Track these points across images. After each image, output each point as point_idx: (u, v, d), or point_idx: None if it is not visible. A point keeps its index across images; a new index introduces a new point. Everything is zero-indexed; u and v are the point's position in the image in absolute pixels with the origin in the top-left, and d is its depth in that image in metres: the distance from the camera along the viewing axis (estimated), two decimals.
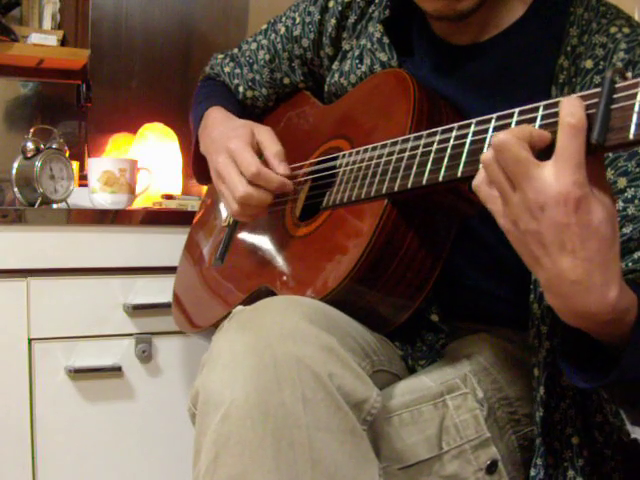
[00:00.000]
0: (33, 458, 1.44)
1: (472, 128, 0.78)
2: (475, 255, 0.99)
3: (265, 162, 1.04)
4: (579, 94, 0.66)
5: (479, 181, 0.70)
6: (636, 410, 0.81)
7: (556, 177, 0.63)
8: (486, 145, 0.75)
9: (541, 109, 0.70)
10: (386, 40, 1.07)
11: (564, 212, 0.64)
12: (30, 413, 1.44)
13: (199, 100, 1.30)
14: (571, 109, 0.64)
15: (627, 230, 0.82)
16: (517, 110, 0.72)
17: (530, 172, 0.65)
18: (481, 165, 0.70)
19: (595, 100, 0.64)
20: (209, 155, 1.16)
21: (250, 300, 1.07)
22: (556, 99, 0.68)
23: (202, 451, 0.75)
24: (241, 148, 1.05)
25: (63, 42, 1.95)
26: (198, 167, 1.25)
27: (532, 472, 0.90)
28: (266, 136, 1.07)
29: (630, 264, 0.82)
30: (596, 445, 0.90)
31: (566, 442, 0.89)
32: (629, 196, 0.83)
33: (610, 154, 0.85)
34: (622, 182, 0.83)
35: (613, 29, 0.89)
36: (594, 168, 0.65)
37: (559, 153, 0.64)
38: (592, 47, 0.90)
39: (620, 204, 0.83)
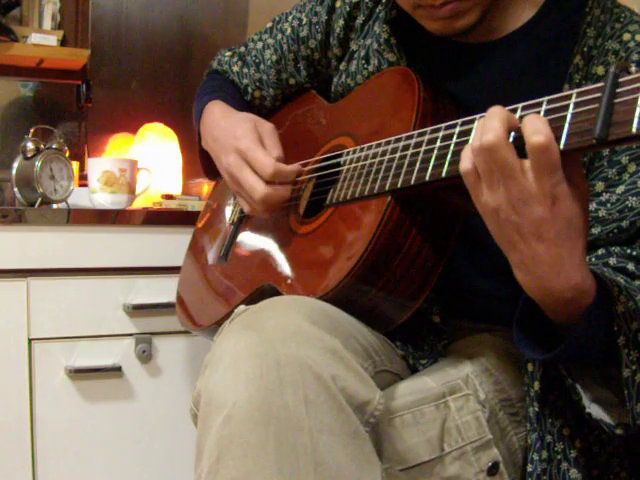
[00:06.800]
0: (33, 458, 1.44)
1: (475, 124, 0.78)
2: (477, 258, 0.99)
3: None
4: (569, 91, 0.69)
5: (467, 167, 0.73)
6: (592, 388, 0.83)
7: (536, 182, 0.68)
8: None
9: (544, 104, 0.70)
10: (393, 41, 1.07)
11: (543, 208, 0.69)
12: (30, 413, 1.44)
13: (203, 93, 1.30)
14: (535, 127, 0.67)
15: (595, 231, 0.88)
16: (520, 105, 0.72)
17: (515, 174, 0.69)
18: (467, 153, 0.72)
19: (598, 95, 0.65)
20: (215, 154, 1.16)
21: (253, 298, 1.07)
22: (563, 93, 0.69)
23: (204, 452, 0.75)
24: (252, 148, 1.05)
25: (63, 42, 1.95)
26: (205, 162, 1.25)
27: (529, 468, 0.90)
28: (269, 138, 1.08)
29: (593, 259, 0.87)
30: (593, 432, 0.90)
31: (558, 434, 0.89)
32: (603, 200, 0.88)
33: (595, 162, 0.89)
34: (600, 186, 0.88)
35: (626, 36, 0.91)
36: (572, 167, 0.69)
37: (534, 166, 0.68)
38: (605, 53, 0.91)
39: (593, 205, 0.88)
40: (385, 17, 1.09)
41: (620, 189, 0.87)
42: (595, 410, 0.82)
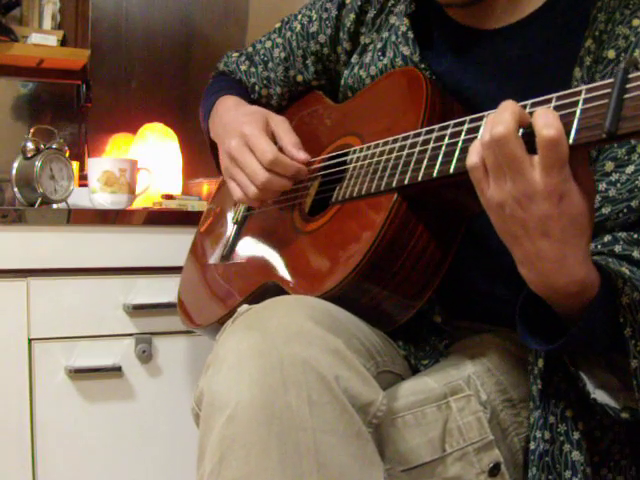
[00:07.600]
0: (33, 458, 1.44)
1: (484, 121, 0.78)
2: (479, 258, 0.99)
3: (280, 149, 1.05)
4: (559, 94, 0.70)
5: (474, 161, 0.73)
6: (596, 374, 0.84)
7: (544, 177, 0.69)
8: None
9: (554, 100, 0.71)
10: (411, 35, 1.06)
11: (549, 205, 0.70)
12: (30, 413, 1.44)
13: (212, 92, 1.31)
14: (547, 120, 0.67)
15: (606, 211, 0.88)
16: (529, 102, 0.73)
17: (523, 169, 0.69)
18: (476, 147, 0.73)
19: (607, 90, 0.65)
20: (220, 139, 1.16)
21: (256, 296, 1.07)
22: (573, 89, 0.69)
23: (206, 453, 0.75)
24: (256, 134, 1.05)
25: (63, 42, 1.95)
26: (217, 157, 1.25)
27: (532, 445, 0.90)
28: (282, 127, 1.09)
29: (599, 247, 0.88)
30: (595, 417, 0.90)
31: (561, 416, 0.89)
32: (613, 179, 0.88)
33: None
34: (609, 166, 0.89)
35: (636, 21, 0.91)
36: (578, 164, 0.70)
37: (543, 161, 0.68)
38: (615, 37, 0.91)
39: (603, 185, 0.88)
40: (405, 10, 1.09)
41: (630, 169, 0.87)
42: (600, 395, 0.83)
